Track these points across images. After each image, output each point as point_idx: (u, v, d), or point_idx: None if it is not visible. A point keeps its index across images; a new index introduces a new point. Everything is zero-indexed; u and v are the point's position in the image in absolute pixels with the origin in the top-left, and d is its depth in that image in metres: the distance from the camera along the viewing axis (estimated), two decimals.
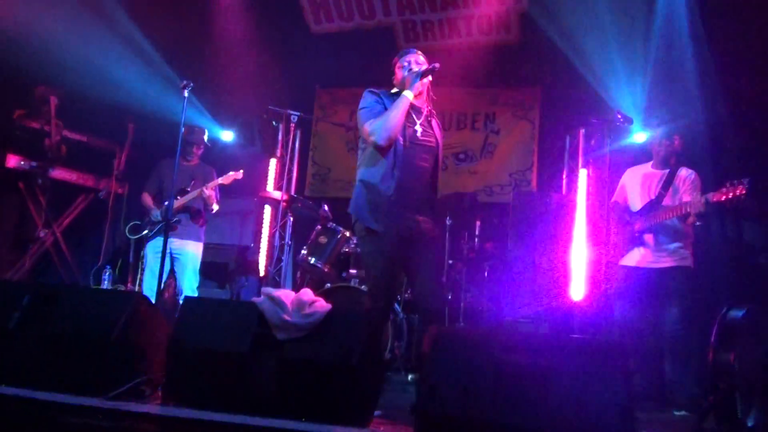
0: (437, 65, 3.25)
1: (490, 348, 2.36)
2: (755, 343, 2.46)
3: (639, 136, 5.28)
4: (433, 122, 3.41)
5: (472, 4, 6.35)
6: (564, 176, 6.16)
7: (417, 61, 3.37)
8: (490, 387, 2.28)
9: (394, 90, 3.38)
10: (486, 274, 5.32)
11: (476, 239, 5.29)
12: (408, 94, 3.19)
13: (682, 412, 3.81)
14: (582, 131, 6.05)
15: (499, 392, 2.29)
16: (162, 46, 6.25)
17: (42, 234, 5.74)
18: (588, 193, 5.62)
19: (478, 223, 5.30)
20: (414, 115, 3.27)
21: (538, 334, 4.78)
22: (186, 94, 3.79)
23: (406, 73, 3.33)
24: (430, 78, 3.29)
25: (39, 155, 5.69)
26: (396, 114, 3.14)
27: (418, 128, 3.26)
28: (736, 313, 2.56)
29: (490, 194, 6.52)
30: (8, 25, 5.60)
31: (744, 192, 3.57)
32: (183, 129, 3.94)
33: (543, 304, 5.32)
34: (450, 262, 4.85)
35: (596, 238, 5.09)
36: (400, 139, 3.17)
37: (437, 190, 3.38)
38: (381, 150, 3.16)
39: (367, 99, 3.28)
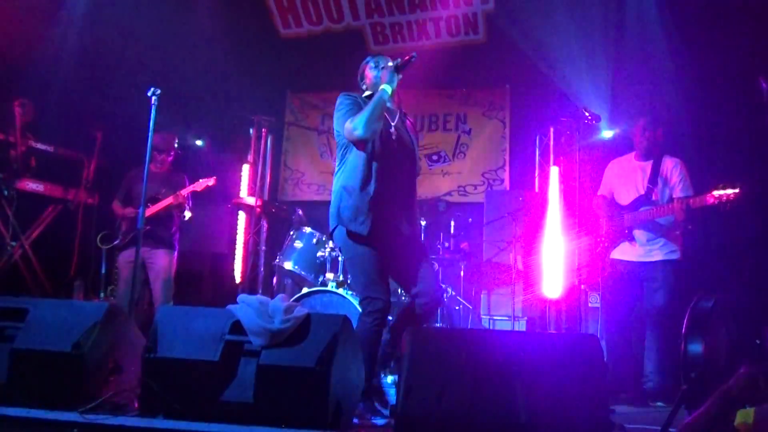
0: (415, 54, 3.17)
1: (466, 347, 2.38)
2: (723, 331, 2.52)
3: (607, 132, 5.38)
4: (407, 123, 3.40)
5: (440, 6, 6.40)
6: (536, 174, 6.24)
7: (386, 62, 3.33)
8: (468, 386, 2.30)
9: (367, 93, 3.36)
10: (462, 273, 5.36)
11: (451, 239, 5.33)
12: (387, 88, 3.14)
13: (658, 403, 3.89)
14: (552, 129, 6.14)
15: (476, 391, 2.31)
16: (130, 52, 6.17)
17: (9, 247, 5.61)
18: (560, 190, 5.70)
19: (452, 222, 5.34)
20: (388, 117, 3.23)
21: (513, 332, 4.83)
22: (154, 100, 3.74)
23: (378, 72, 3.30)
24: (400, 76, 3.21)
25: (4, 166, 5.56)
26: (377, 106, 3.08)
27: (393, 130, 3.22)
28: (706, 303, 2.62)
29: (464, 194, 6.56)
30: None
31: (734, 197, 3.63)
32: (151, 136, 3.88)
33: (519, 301, 5.38)
34: None
35: (569, 234, 5.16)
36: (378, 141, 3.13)
37: (416, 191, 3.34)
38: (361, 148, 3.12)
39: (344, 101, 3.24)
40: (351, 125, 3.09)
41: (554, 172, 5.77)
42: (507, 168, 6.56)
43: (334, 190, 3.25)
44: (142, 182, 3.93)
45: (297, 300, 4.41)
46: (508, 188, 6.44)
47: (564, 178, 5.61)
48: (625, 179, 4.27)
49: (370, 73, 3.40)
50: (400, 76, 3.21)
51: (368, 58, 3.46)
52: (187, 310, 2.70)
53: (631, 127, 4.40)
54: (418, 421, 2.29)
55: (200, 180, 5.04)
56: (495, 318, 5.51)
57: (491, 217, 5.63)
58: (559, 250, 5.24)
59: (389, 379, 4.33)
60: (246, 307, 2.60)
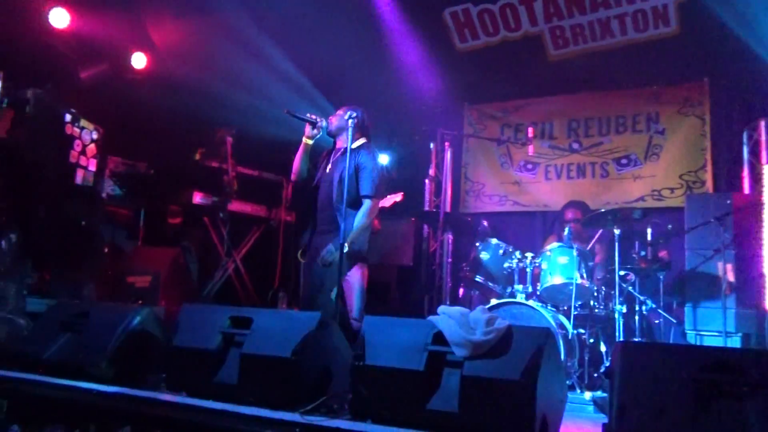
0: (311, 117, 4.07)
1: (686, 365, 2.20)
2: None
3: None
4: (347, 157, 3.79)
5: (625, 1, 6.06)
6: (745, 174, 5.62)
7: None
8: (691, 405, 2.12)
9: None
10: (661, 284, 4.96)
11: (648, 248, 4.96)
12: (305, 140, 4.09)
13: None
14: (763, 123, 5.51)
15: (700, 411, 2.12)
16: (316, 77, 6.66)
17: (225, 262, 6.29)
18: None
19: (649, 230, 4.98)
20: (331, 155, 4.10)
21: (738, 350, 4.36)
22: (351, 123, 3.97)
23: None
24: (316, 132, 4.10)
25: (218, 191, 6.26)
26: (295, 158, 4.13)
27: (329, 166, 4.03)
28: None
29: (659, 199, 6.11)
30: (188, 76, 6.29)
31: None
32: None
33: (731, 314, 4.86)
34: (621, 273, 4.60)
35: None
36: (316, 178, 4.05)
37: (337, 216, 3.89)
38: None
39: None
40: None
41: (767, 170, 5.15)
42: (709, 168, 5.98)
43: None
44: None
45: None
46: (711, 190, 5.87)
47: None
48: None
49: None
50: (316, 132, 4.10)
51: None
52: (392, 320, 2.81)
53: None
54: None
55: (388, 196, 5.24)
56: (702, 333, 5.02)
57: (693, 222, 5.14)
58: None
59: (587, 395, 4.14)
60: (447, 318, 2.64)
